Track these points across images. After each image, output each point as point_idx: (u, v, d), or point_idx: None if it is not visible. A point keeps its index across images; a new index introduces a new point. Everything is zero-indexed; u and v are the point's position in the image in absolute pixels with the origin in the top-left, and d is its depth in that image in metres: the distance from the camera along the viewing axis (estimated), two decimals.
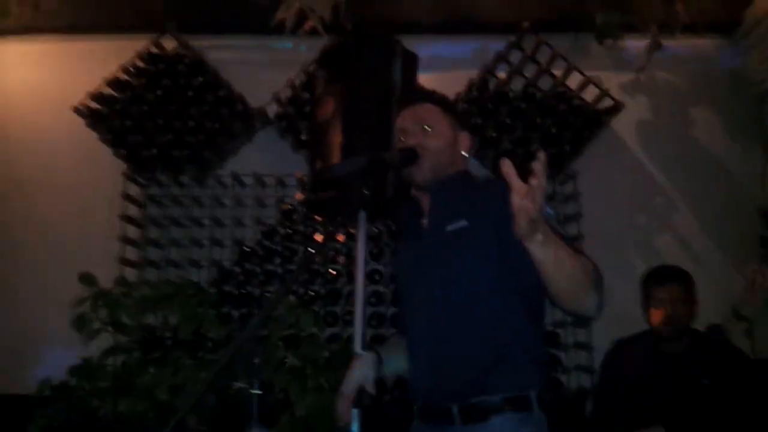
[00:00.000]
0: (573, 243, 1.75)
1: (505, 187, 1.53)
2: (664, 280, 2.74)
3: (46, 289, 3.99)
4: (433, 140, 1.93)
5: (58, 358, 3.36)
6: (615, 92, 4.09)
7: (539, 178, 1.42)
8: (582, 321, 3.66)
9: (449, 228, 1.84)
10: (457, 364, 1.77)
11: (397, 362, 2.00)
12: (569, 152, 4.06)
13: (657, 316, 2.71)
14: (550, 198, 4.06)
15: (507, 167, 1.44)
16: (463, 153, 2.00)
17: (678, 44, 4.15)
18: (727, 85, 4.33)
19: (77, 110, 3.98)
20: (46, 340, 3.78)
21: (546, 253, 1.50)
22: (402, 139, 1.97)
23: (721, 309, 3.54)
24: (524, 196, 1.42)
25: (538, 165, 1.42)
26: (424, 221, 1.97)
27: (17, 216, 4.20)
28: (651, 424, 2.53)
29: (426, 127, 1.94)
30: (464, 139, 2.01)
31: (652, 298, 2.76)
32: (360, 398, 1.88)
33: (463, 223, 1.82)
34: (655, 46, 4.10)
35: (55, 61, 4.44)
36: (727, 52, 4.36)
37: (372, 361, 1.94)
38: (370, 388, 1.88)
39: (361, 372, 1.91)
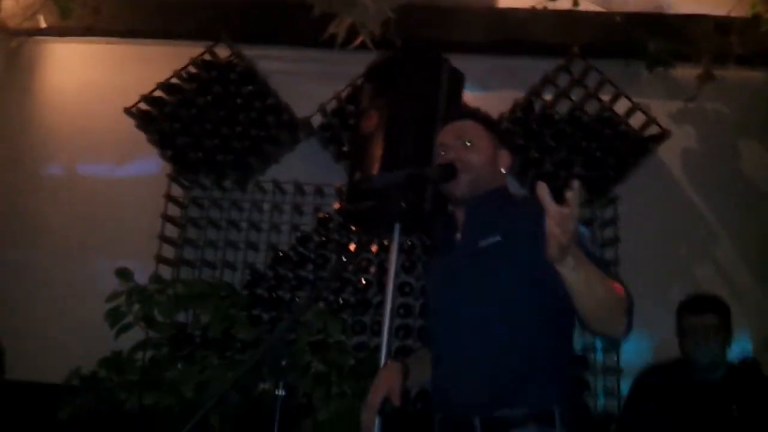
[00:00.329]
0: (607, 266, 1.74)
1: (540, 207, 1.53)
2: (700, 309, 2.69)
3: (83, 280, 4.08)
4: (473, 155, 1.94)
5: (89, 349, 3.42)
6: (662, 120, 4.03)
7: (572, 207, 1.41)
8: (609, 343, 3.61)
9: (482, 243, 1.85)
10: (482, 377, 1.76)
11: (423, 374, 2.00)
12: (612, 177, 4.02)
13: (690, 345, 2.67)
14: (589, 222, 4.01)
15: (542, 190, 1.43)
16: (502, 170, 2.01)
17: (729, 75, 4.09)
18: None
19: (128, 111, 4.09)
20: (78, 330, 3.85)
21: (576, 278, 1.49)
22: (442, 153, 1.99)
23: (758, 342, 3.45)
24: (557, 223, 1.41)
25: (572, 193, 1.41)
26: (458, 236, 1.97)
27: (62, 208, 4.31)
28: None
29: (467, 142, 1.96)
30: (504, 157, 2.02)
31: (686, 327, 2.71)
32: (384, 408, 1.88)
33: (496, 238, 1.82)
34: (707, 77, 4.04)
35: (112, 64, 4.57)
36: None
37: (398, 371, 1.94)
38: (396, 399, 1.88)
39: (387, 382, 1.91)
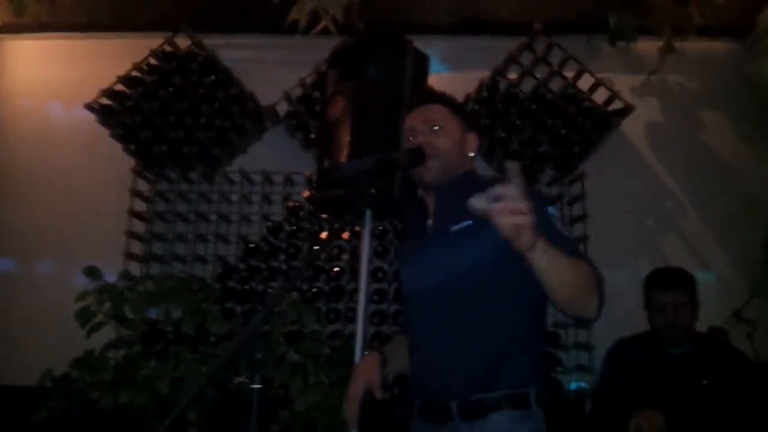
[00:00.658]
0: (575, 244, 1.75)
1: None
2: (667, 286, 2.71)
3: (50, 281, 4.02)
4: (441, 140, 1.93)
5: (60, 350, 3.37)
6: (626, 94, 4.07)
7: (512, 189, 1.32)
8: (581, 324, 3.65)
9: (454, 228, 1.84)
10: (458, 361, 1.77)
11: (401, 363, 2.00)
12: (578, 153, 4.05)
13: (659, 321, 2.70)
14: (558, 198, 4.05)
15: (513, 168, 1.35)
16: (471, 153, 2.01)
17: (691, 47, 4.13)
18: (740, 88, 4.29)
19: (89, 106, 4.01)
20: (48, 332, 3.79)
21: (544, 262, 1.47)
22: (411, 138, 1.98)
23: (725, 312, 3.52)
24: (511, 210, 1.32)
25: (512, 169, 1.34)
26: (429, 221, 1.97)
27: (26, 208, 4.25)
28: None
29: (435, 127, 1.95)
30: (472, 140, 2.02)
31: (654, 303, 2.74)
32: (365, 400, 1.88)
33: (467, 223, 1.82)
34: (668, 49, 4.07)
35: (70, 59, 4.50)
36: (739, 56, 4.33)
37: (377, 362, 1.95)
38: (377, 392, 1.89)
39: (366, 374, 1.91)
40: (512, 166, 1.37)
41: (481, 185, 1.94)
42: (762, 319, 3.69)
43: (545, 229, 1.58)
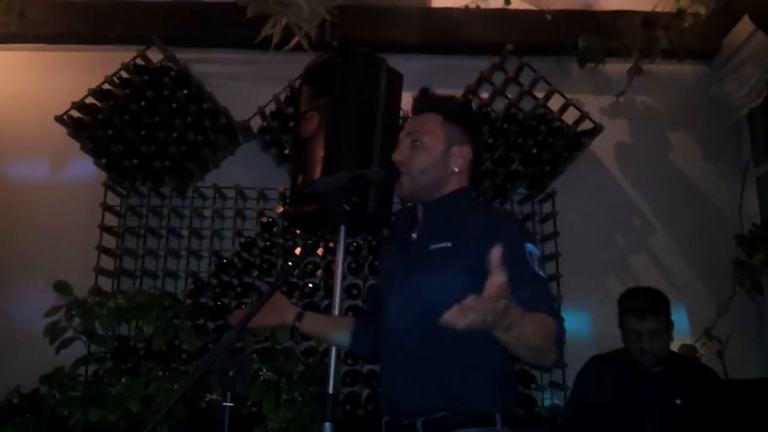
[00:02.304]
0: (546, 286, 1.76)
1: (495, 215, 1.61)
2: (643, 314, 2.70)
3: (19, 295, 3.95)
4: (416, 158, 1.93)
5: (29, 366, 3.31)
6: (595, 115, 4.14)
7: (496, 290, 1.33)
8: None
9: (432, 247, 1.85)
10: (425, 379, 1.78)
11: (320, 326, 2.21)
12: (549, 172, 4.10)
13: (634, 347, 2.70)
14: (529, 216, 4.09)
15: (495, 256, 1.34)
16: (456, 169, 1.96)
17: (658, 69, 4.24)
18: (706, 110, 4.41)
19: (60, 119, 3.96)
20: (16, 347, 3.72)
21: (507, 338, 1.49)
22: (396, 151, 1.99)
23: (694, 329, 3.58)
24: (491, 300, 1.33)
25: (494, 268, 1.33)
26: (414, 234, 1.98)
27: None
28: None
29: (416, 142, 1.94)
30: (463, 152, 1.97)
31: (629, 328, 2.73)
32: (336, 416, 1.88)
33: (446, 244, 1.83)
34: (636, 71, 4.18)
35: (40, 71, 4.44)
36: (705, 78, 4.44)
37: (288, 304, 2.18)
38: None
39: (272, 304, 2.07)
40: (495, 254, 1.34)
41: (467, 208, 1.94)
42: (731, 337, 3.77)
43: (518, 268, 1.64)
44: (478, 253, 1.65)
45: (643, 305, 2.73)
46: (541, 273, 1.74)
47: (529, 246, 1.76)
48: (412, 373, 1.79)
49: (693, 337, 3.64)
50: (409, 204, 2.06)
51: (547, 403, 3.79)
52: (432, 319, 1.77)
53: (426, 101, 2.08)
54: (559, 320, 1.67)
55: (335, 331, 2.19)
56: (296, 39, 3.67)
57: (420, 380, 1.78)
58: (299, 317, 2.13)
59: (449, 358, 1.76)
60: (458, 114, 2.04)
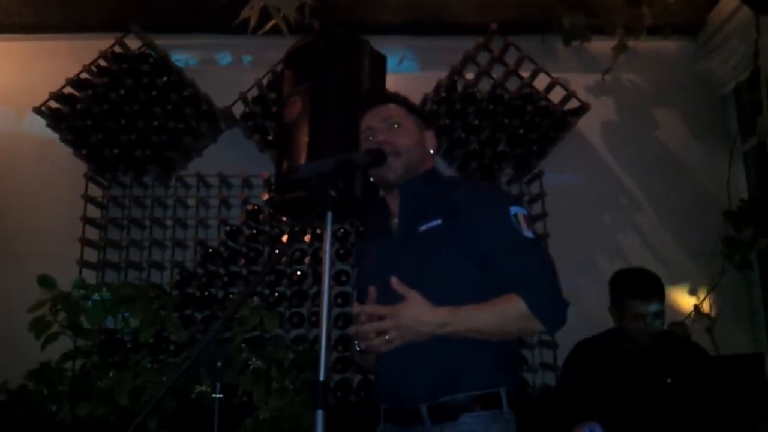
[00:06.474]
0: (535, 243, 1.76)
1: (475, 187, 1.62)
2: (647, 296, 2.68)
3: (2, 290, 3.89)
4: (401, 137, 1.92)
5: (15, 362, 3.26)
6: (581, 93, 4.12)
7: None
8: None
9: (422, 228, 1.82)
10: (427, 364, 1.74)
11: None
12: (536, 152, 4.08)
13: (635, 328, 2.68)
14: (517, 197, 4.07)
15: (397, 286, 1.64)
16: (431, 151, 2.00)
17: (643, 47, 4.21)
18: (692, 86, 4.40)
19: (38, 110, 3.89)
20: (2, 343, 3.67)
21: (459, 334, 1.66)
22: (370, 138, 1.95)
23: (683, 307, 3.58)
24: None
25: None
26: (394, 221, 1.95)
27: None
28: (608, 424, 2.52)
29: (395, 124, 1.93)
30: (430, 137, 2.02)
31: (630, 310, 2.71)
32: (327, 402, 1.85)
33: (436, 222, 1.81)
34: (621, 48, 4.15)
35: (17, 61, 4.37)
36: (690, 54, 4.43)
37: None
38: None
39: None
40: (395, 283, 1.63)
41: (446, 184, 1.95)
42: (721, 314, 3.78)
43: (505, 238, 1.72)
44: (467, 226, 1.75)
45: (648, 288, 2.72)
46: (528, 234, 1.75)
47: (513, 209, 1.77)
48: (413, 359, 1.76)
49: (682, 315, 3.64)
50: (380, 194, 2.04)
51: (538, 383, 3.81)
52: (433, 299, 1.76)
53: (383, 95, 2.10)
54: (548, 282, 1.72)
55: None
56: (272, 21, 3.60)
57: (422, 365, 1.75)
58: None
59: (450, 340, 1.73)
60: (415, 106, 2.10)
